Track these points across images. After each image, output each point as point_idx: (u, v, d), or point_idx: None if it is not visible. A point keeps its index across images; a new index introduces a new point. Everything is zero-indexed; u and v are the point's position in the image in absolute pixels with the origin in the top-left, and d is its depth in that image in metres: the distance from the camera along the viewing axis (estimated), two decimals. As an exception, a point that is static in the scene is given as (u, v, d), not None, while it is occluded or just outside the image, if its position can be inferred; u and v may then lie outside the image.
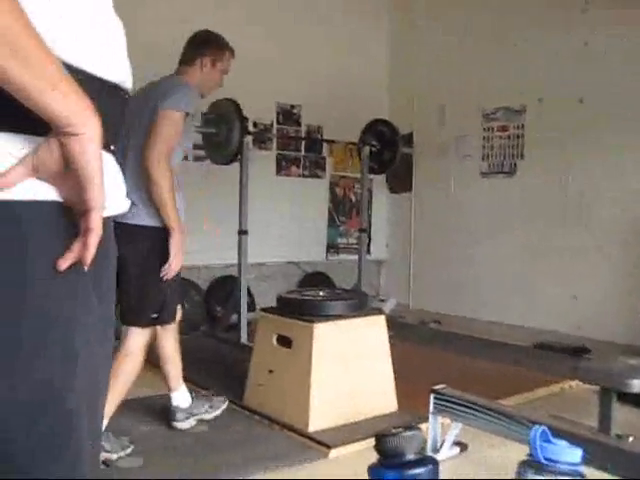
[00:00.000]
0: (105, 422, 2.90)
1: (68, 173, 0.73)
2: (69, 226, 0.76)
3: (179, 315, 3.16)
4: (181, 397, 3.21)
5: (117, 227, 3.06)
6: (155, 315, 2.97)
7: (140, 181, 2.83)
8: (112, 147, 0.87)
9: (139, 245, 2.89)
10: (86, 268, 0.76)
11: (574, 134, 5.28)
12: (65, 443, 0.77)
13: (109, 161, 0.86)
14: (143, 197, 2.83)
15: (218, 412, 3.25)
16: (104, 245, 0.81)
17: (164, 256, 2.85)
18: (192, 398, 3.24)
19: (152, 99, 2.94)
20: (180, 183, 2.97)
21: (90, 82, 0.78)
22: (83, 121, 0.72)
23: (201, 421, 3.23)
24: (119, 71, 0.87)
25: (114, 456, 2.84)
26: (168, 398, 3.21)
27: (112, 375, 2.85)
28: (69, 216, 0.77)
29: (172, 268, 2.85)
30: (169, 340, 3.12)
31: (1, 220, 0.71)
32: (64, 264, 0.74)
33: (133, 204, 2.82)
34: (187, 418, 3.19)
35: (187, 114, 2.96)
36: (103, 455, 2.79)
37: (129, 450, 2.90)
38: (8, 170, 0.71)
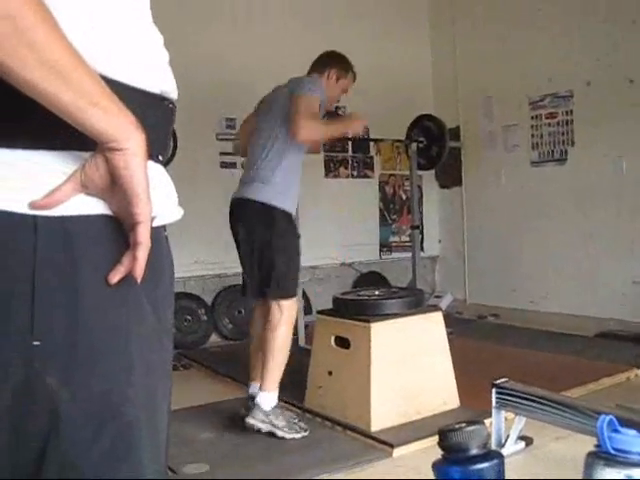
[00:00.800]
0: (275, 396, 3.10)
1: (115, 187, 0.73)
2: (119, 238, 0.76)
3: (296, 304, 3.21)
4: (269, 398, 3.08)
5: (243, 203, 3.11)
6: (266, 289, 3.13)
7: (268, 162, 3.08)
8: (160, 157, 0.86)
9: (254, 220, 3.08)
10: (138, 280, 0.76)
11: (626, 117, 5.15)
12: (125, 457, 0.77)
13: (158, 171, 0.85)
14: (270, 177, 3.09)
15: (290, 436, 3.06)
16: (156, 254, 0.80)
17: (278, 236, 3.07)
18: (279, 408, 3.12)
19: (283, 92, 3.22)
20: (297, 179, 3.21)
21: (131, 94, 0.77)
22: (126, 136, 0.71)
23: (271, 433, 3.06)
24: (161, 82, 0.86)
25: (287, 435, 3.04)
26: (256, 393, 3.11)
27: (265, 352, 3.07)
28: (119, 228, 0.77)
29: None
30: (281, 327, 3.08)
31: (52, 235, 0.72)
32: (115, 277, 0.75)
33: (261, 183, 3.09)
34: (263, 422, 3.04)
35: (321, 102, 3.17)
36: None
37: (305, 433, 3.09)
38: (56, 188, 0.71)
